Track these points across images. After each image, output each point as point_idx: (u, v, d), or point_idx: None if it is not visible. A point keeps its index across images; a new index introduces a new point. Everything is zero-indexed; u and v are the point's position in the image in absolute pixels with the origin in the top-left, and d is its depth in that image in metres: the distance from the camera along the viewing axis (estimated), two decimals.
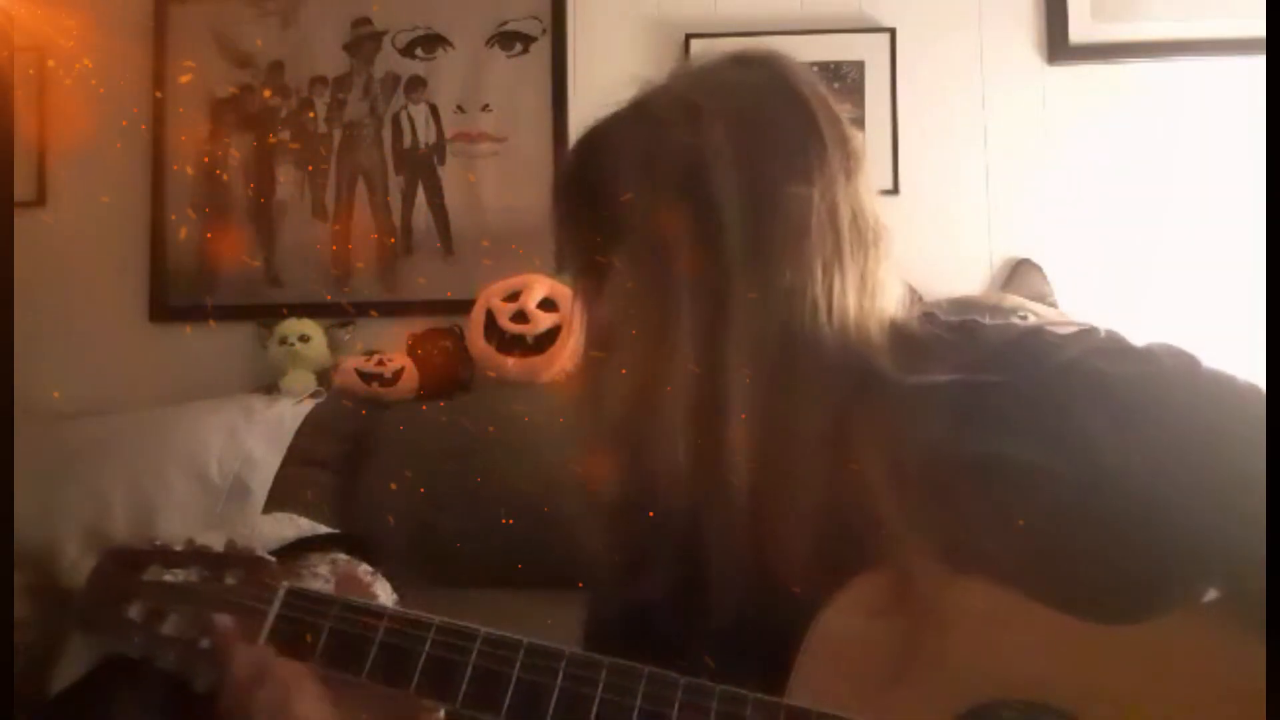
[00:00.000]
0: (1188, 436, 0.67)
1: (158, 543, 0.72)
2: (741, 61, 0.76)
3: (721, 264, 0.69)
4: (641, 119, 0.75)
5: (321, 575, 1.43)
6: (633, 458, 0.71)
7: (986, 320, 0.75)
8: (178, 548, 0.72)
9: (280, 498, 1.82)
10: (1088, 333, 0.73)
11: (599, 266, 0.76)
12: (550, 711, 0.60)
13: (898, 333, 0.74)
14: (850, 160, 0.73)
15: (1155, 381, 0.69)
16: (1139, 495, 0.65)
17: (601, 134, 0.77)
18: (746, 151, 0.70)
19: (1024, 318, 1.92)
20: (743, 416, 0.67)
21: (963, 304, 1.97)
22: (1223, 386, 0.69)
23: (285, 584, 0.69)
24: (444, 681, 0.63)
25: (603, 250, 0.74)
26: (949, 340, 0.73)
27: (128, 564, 0.71)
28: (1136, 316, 2.00)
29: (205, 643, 0.67)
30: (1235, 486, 0.64)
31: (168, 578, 0.70)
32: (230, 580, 0.70)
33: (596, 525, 0.76)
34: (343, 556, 1.49)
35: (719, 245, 0.69)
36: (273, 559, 0.71)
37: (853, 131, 0.75)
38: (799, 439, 0.68)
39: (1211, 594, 0.67)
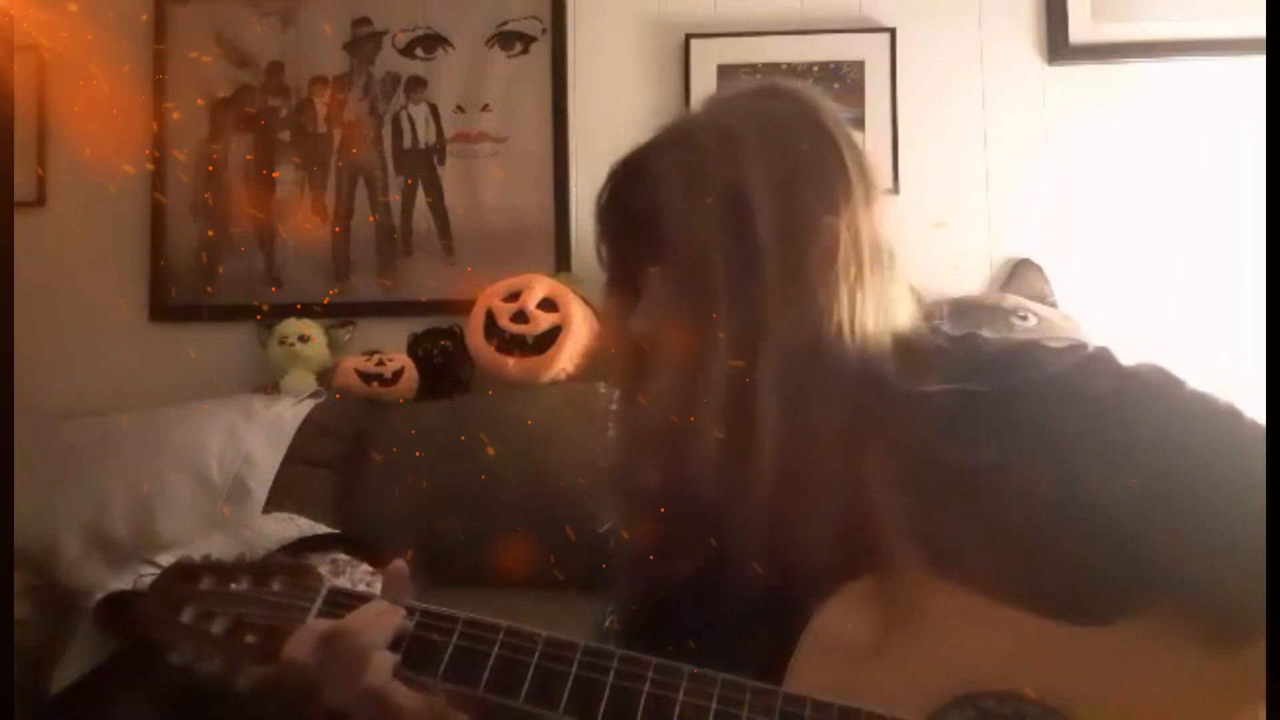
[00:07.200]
0: (1156, 452, 0.69)
1: (211, 559, 0.78)
2: (771, 93, 0.81)
3: (757, 285, 0.73)
4: (681, 145, 0.78)
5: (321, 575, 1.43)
6: (666, 454, 0.75)
7: (987, 333, 0.80)
8: (228, 563, 0.77)
9: (280, 498, 1.82)
10: (1075, 348, 0.76)
11: (638, 281, 0.80)
12: (565, 697, 0.67)
13: (905, 345, 0.77)
14: (870, 190, 0.78)
15: (1130, 399, 0.72)
16: (1102, 505, 0.69)
17: (642, 159, 0.80)
18: (782, 181, 0.75)
19: (1024, 318, 1.92)
20: (772, 421, 0.72)
21: (963, 305, 1.98)
22: (1202, 408, 0.72)
23: (327, 585, 0.74)
24: (469, 670, 0.70)
25: (643, 267, 0.79)
26: (950, 351, 0.78)
27: (184, 577, 0.76)
28: (1135, 316, 2.00)
29: (250, 638, 0.72)
30: (1197, 503, 0.67)
31: (218, 586, 0.75)
32: (276, 585, 0.75)
33: (625, 516, 0.82)
34: (343, 556, 1.50)
35: (756, 267, 0.73)
36: (315, 566, 0.75)
37: (870, 161, 0.80)
38: (819, 444, 0.73)
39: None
